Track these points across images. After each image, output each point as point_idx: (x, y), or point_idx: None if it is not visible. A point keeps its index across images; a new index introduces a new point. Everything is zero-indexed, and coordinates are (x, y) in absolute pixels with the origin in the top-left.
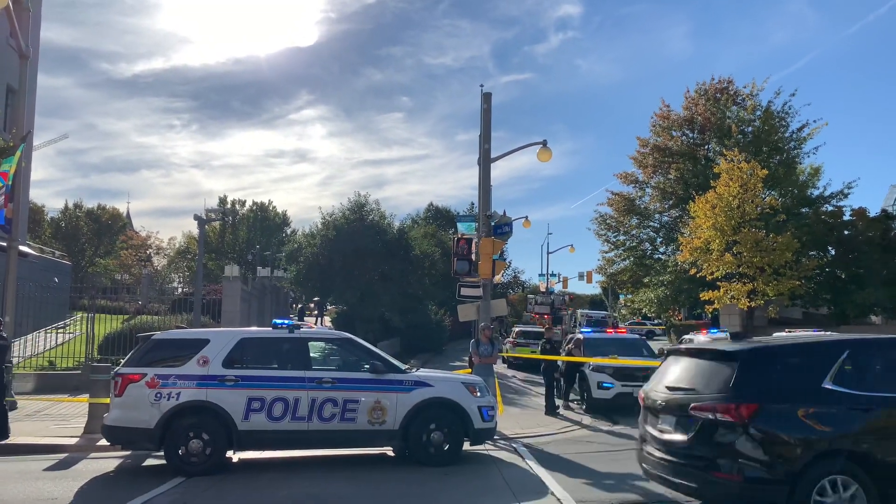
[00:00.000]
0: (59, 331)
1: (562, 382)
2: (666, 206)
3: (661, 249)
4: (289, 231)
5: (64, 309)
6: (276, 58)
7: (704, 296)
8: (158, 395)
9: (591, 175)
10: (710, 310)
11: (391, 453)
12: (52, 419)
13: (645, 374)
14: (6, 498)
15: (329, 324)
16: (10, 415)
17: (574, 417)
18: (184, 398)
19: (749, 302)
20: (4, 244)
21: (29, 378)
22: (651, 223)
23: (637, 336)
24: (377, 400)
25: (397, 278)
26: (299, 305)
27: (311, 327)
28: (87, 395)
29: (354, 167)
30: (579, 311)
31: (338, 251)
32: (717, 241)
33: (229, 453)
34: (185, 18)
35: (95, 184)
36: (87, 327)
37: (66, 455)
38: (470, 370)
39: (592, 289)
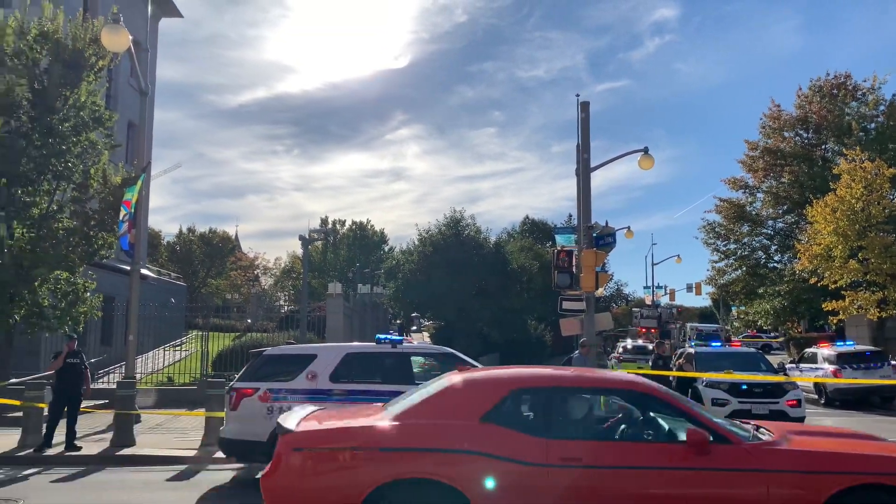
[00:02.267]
0: (176, 348)
1: None
2: (780, 211)
3: (777, 258)
4: (386, 248)
5: (180, 328)
6: (371, 81)
7: (827, 306)
8: (270, 408)
9: (694, 182)
10: (835, 321)
11: None
12: (172, 432)
13: (763, 390)
14: None
15: (427, 339)
16: (135, 427)
17: None
18: None
19: (879, 312)
20: (128, 268)
21: (150, 393)
22: (764, 230)
23: (753, 350)
24: None
25: (495, 293)
26: (398, 321)
27: (412, 342)
28: (204, 409)
29: (448, 183)
30: (688, 324)
31: (435, 267)
32: (840, 247)
33: None
34: (285, 49)
35: (206, 209)
36: (201, 345)
37: (185, 466)
38: None
39: (702, 301)
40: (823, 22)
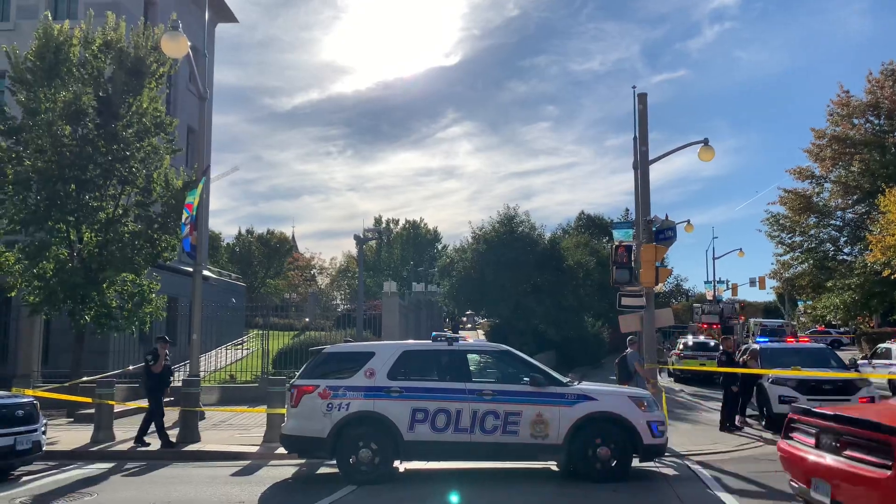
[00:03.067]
0: (238, 347)
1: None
2: (849, 201)
3: (846, 250)
4: (440, 247)
5: (241, 327)
6: (422, 79)
7: None
8: (330, 405)
9: (757, 173)
10: None
11: (555, 468)
12: (235, 428)
13: (833, 387)
14: (201, 499)
15: (482, 336)
16: (199, 424)
17: (753, 433)
18: (353, 409)
19: None
20: (191, 269)
21: (213, 391)
22: (832, 221)
23: (822, 345)
24: (538, 413)
25: (550, 290)
26: (451, 320)
27: (468, 340)
28: (265, 406)
29: (501, 180)
30: (752, 319)
31: (489, 264)
32: None
33: (396, 463)
34: (338, 50)
35: (263, 211)
36: (261, 343)
37: (248, 462)
38: (626, 384)
39: (766, 295)
40: (893, 4)
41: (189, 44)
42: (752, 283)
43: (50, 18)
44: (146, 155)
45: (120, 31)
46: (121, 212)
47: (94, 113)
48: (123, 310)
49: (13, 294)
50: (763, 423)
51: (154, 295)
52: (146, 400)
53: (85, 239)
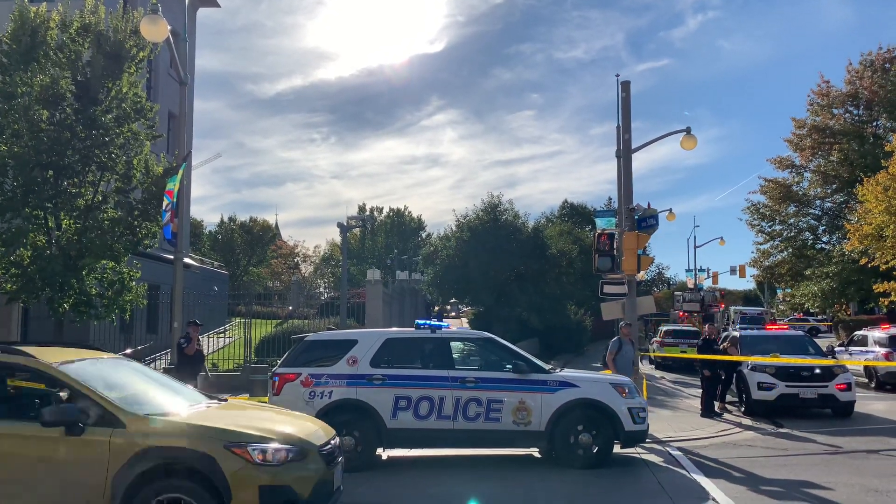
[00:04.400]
0: (220, 335)
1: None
2: (828, 190)
3: (825, 238)
4: (424, 235)
5: (223, 315)
6: (406, 66)
7: (878, 287)
8: (312, 393)
9: (739, 162)
10: (886, 303)
11: (537, 454)
12: None
13: (811, 374)
14: None
15: (466, 324)
16: None
17: (732, 420)
18: (335, 396)
19: None
20: (171, 257)
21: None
22: (811, 210)
23: (800, 333)
24: (521, 400)
25: (534, 278)
26: (436, 308)
27: (452, 327)
28: (247, 395)
29: (486, 168)
30: (732, 307)
31: (472, 252)
32: (892, 226)
33: (379, 450)
34: (321, 36)
35: (246, 198)
36: (244, 331)
37: None
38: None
39: (746, 284)
40: None
41: (169, 28)
42: (733, 271)
43: (26, 1)
44: (126, 141)
45: (99, 14)
46: (100, 198)
47: (72, 98)
48: (103, 298)
49: None
50: (742, 409)
51: (134, 283)
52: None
53: (63, 226)
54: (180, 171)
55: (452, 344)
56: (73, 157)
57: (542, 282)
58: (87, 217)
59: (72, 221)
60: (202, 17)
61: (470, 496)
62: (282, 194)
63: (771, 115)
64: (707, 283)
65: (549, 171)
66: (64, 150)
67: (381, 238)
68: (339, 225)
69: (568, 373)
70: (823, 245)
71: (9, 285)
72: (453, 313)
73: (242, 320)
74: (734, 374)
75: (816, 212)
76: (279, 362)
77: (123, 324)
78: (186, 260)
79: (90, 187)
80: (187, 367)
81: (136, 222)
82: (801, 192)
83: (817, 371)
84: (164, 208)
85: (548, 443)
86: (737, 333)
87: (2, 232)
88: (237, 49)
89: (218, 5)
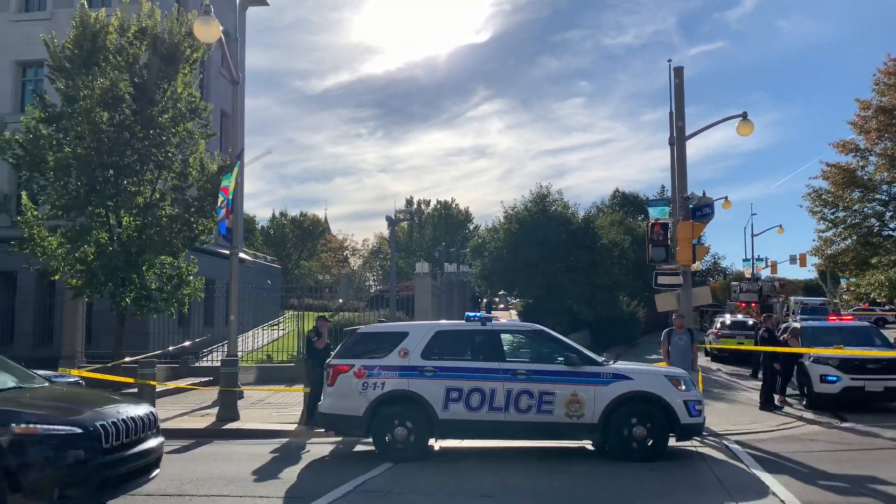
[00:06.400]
0: (274, 328)
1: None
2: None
3: (892, 225)
4: (471, 227)
5: (276, 308)
6: (452, 57)
7: None
8: (365, 384)
9: (798, 147)
10: None
11: (590, 447)
12: (273, 407)
13: (879, 366)
14: (242, 476)
15: (515, 317)
16: (239, 403)
17: (794, 413)
18: (388, 388)
19: None
20: (227, 252)
21: (251, 370)
22: (877, 196)
23: (866, 323)
24: (573, 392)
25: (584, 269)
26: (484, 300)
27: (501, 320)
28: (302, 386)
29: (533, 158)
30: (792, 298)
31: (521, 244)
32: None
33: (431, 441)
34: (367, 30)
35: (296, 194)
36: (296, 324)
37: (287, 440)
38: (666, 363)
39: (807, 273)
40: None
41: (221, 28)
42: (793, 260)
43: (86, 6)
44: (181, 140)
45: (155, 17)
46: (158, 196)
47: (130, 99)
48: (163, 292)
49: (57, 278)
50: (804, 402)
51: (192, 277)
52: (310, 375)
53: (124, 223)
54: (235, 169)
55: (503, 336)
56: (132, 157)
57: (594, 273)
58: (147, 214)
59: (132, 219)
60: (251, 16)
61: (521, 487)
62: (330, 189)
63: (832, 98)
64: (765, 273)
65: (599, 159)
66: (123, 150)
67: (429, 231)
68: (387, 218)
69: (621, 365)
70: (891, 232)
71: (74, 281)
72: (502, 305)
73: (295, 313)
74: (795, 367)
75: (883, 197)
76: (332, 354)
77: (181, 317)
78: (241, 255)
79: (148, 185)
80: (315, 359)
81: (192, 219)
82: (866, 177)
83: (885, 363)
84: (219, 205)
85: (601, 435)
86: (798, 324)
87: (67, 230)
88: (285, 46)
89: (267, 3)
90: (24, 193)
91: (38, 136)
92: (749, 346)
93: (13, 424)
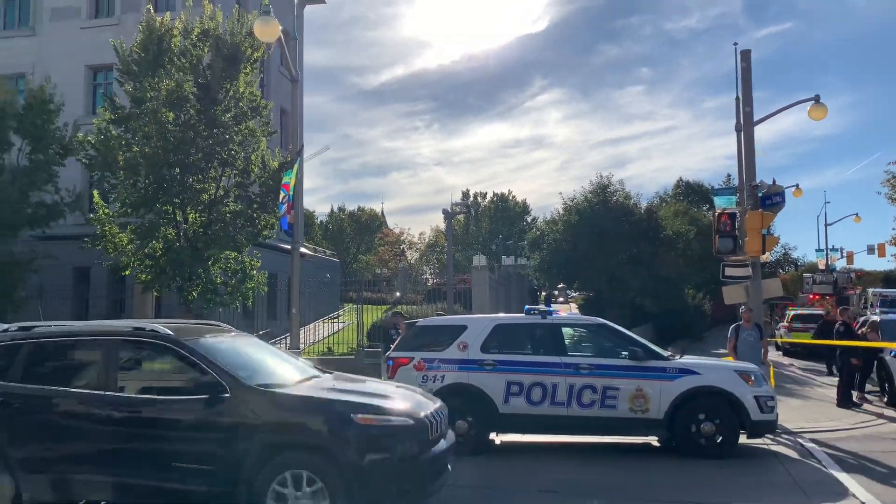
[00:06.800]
0: (333, 320)
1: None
2: None
3: None
4: (529, 219)
5: (336, 301)
6: (508, 48)
7: None
8: (425, 377)
9: (874, 131)
10: None
11: (656, 443)
12: None
13: None
14: None
15: (575, 310)
16: None
17: (873, 411)
18: (448, 381)
19: None
20: (288, 247)
21: (313, 362)
22: None
23: None
24: (638, 387)
25: (647, 261)
26: (543, 293)
27: (562, 313)
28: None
29: (592, 148)
30: (870, 289)
31: (581, 236)
32: None
33: (492, 435)
34: (421, 25)
35: (353, 188)
36: (356, 317)
37: None
38: (732, 358)
39: (886, 264)
40: None
41: (280, 27)
42: (871, 250)
43: (152, 11)
44: (244, 138)
45: (217, 19)
46: (222, 193)
47: (194, 99)
48: (227, 286)
49: (127, 273)
50: (885, 399)
51: (255, 271)
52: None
53: (190, 219)
54: (295, 166)
55: (564, 330)
56: (196, 155)
57: (657, 265)
58: (211, 210)
59: (197, 215)
60: (309, 15)
61: (583, 483)
62: (387, 183)
63: None
64: (840, 264)
65: (662, 148)
66: (189, 148)
67: (486, 223)
68: (444, 211)
69: (688, 359)
70: None
71: (143, 276)
72: (561, 298)
73: (354, 306)
74: (875, 362)
75: None
76: (392, 346)
77: (246, 310)
78: (302, 249)
79: (213, 183)
80: None
81: (255, 214)
82: None
83: None
84: (280, 201)
85: (667, 431)
86: (877, 318)
87: (136, 227)
88: (341, 43)
89: (324, 2)
90: (95, 192)
91: (108, 137)
92: (827, 341)
93: (358, 414)
